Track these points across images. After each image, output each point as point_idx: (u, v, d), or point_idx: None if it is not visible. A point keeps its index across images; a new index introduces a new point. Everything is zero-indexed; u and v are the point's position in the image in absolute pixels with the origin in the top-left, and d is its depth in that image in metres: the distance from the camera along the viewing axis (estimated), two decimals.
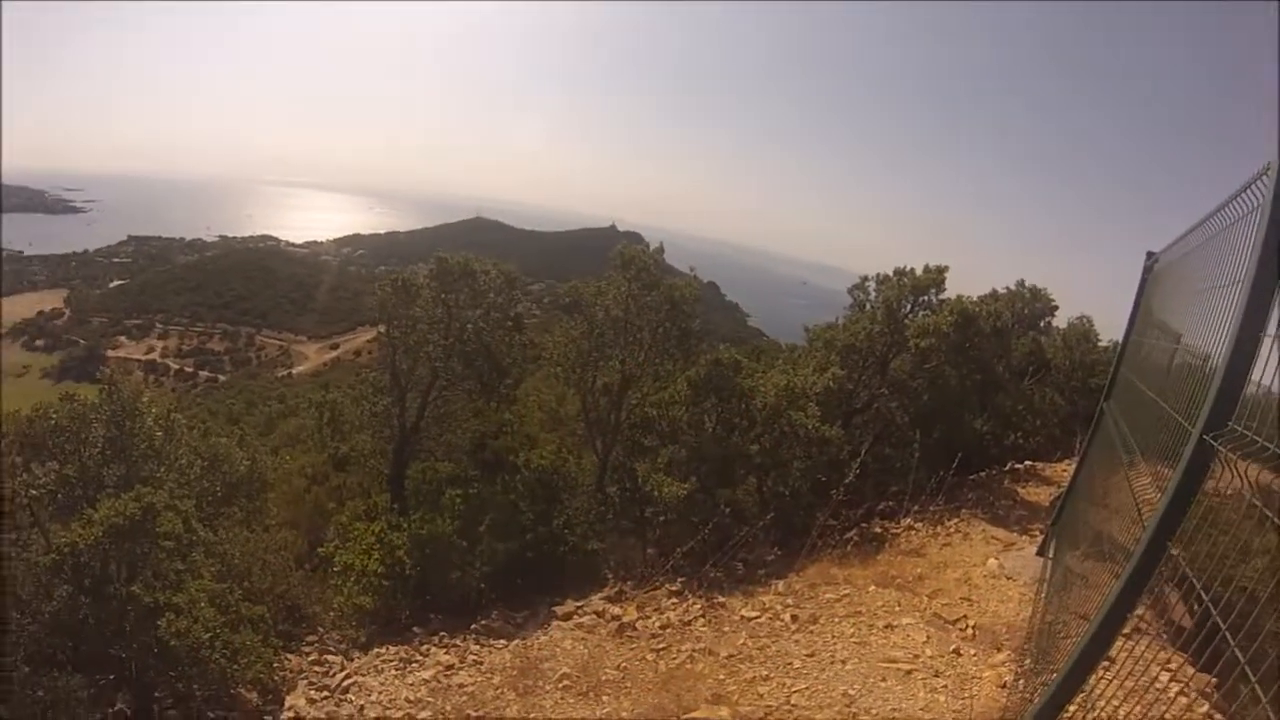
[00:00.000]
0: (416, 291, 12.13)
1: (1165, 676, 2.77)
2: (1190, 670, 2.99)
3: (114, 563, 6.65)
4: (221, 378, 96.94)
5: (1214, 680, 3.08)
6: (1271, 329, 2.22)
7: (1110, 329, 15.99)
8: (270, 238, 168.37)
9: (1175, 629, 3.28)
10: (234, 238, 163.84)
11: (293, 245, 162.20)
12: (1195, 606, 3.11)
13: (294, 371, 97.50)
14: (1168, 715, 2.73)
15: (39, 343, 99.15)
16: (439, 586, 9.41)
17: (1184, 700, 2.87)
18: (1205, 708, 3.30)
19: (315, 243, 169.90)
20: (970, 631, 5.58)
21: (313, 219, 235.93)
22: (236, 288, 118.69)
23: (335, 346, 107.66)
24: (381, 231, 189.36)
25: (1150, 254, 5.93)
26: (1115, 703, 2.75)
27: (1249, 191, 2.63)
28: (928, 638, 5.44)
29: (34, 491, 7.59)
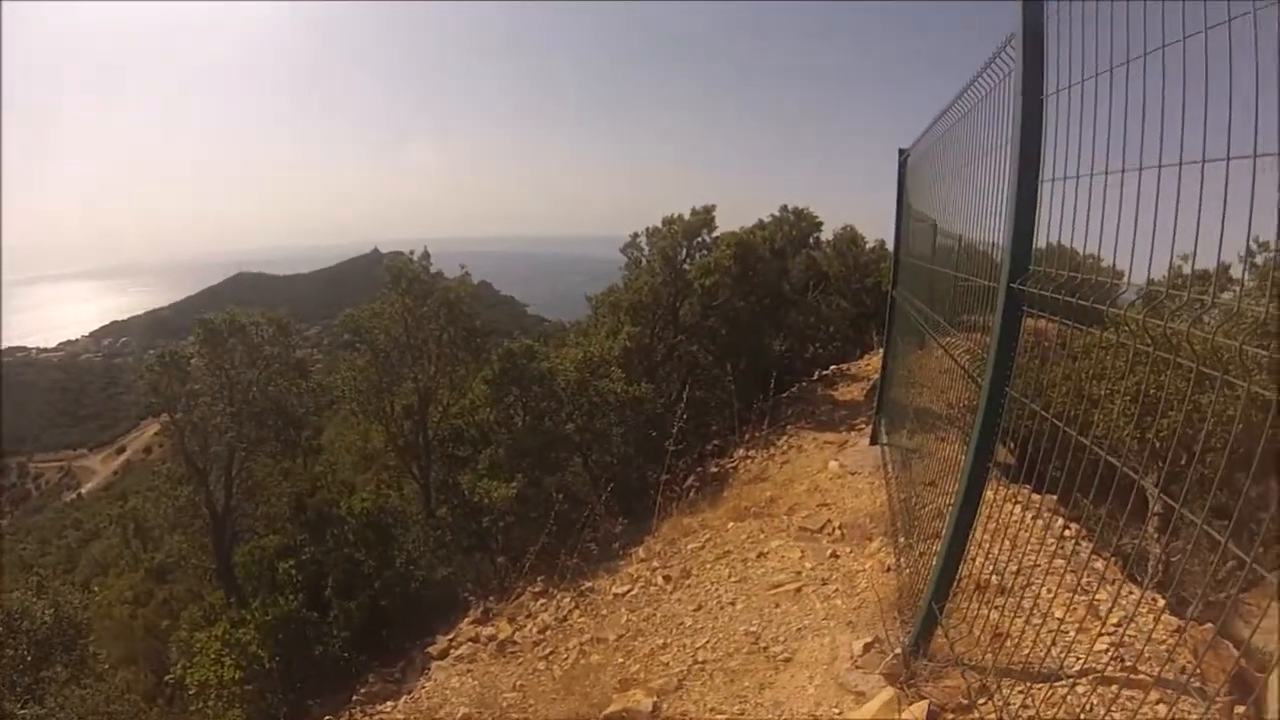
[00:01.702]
0: (187, 364, 11.06)
1: (1018, 509, 3.01)
2: (1035, 496, 3.31)
3: None
4: (2, 523, 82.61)
5: (1055, 497, 3.40)
6: (1046, 175, 2.40)
7: (875, 230, 17.50)
8: (18, 349, 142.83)
9: (1004, 469, 3.56)
10: None
11: (46, 351, 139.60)
12: (1013, 445, 3.44)
13: (83, 491, 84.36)
14: (1033, 538, 2.97)
15: None
16: (305, 669, 8.77)
17: (1041, 522, 3.15)
18: (1060, 521, 3.66)
19: (71, 342, 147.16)
20: (838, 533, 5.83)
21: (61, 315, 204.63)
22: None
23: (122, 450, 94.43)
24: (141, 312, 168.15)
25: (902, 150, 6.45)
26: (987, 545, 2.96)
27: (999, 60, 2.84)
28: (802, 553, 5.61)
29: None
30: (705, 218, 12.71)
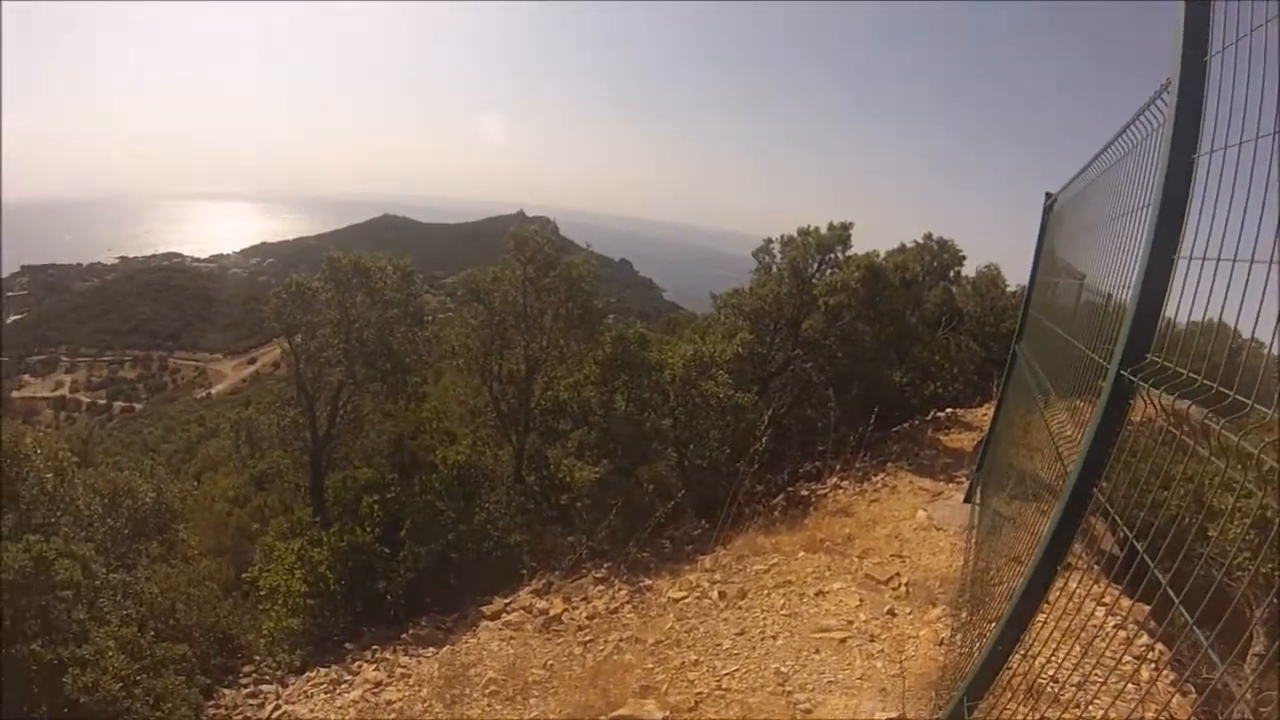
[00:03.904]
0: (313, 296, 11.59)
1: (1101, 612, 2.64)
2: (1125, 602, 2.89)
3: (24, 618, 6.14)
4: (137, 406, 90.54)
5: (1147, 609, 3.00)
6: (1185, 250, 2.03)
7: (1018, 274, 16.37)
8: (174, 254, 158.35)
9: (1107, 558, 3.18)
10: (135, 258, 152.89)
11: (198, 260, 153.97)
12: (1122, 535, 3.03)
13: (213, 391, 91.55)
14: (1108, 651, 2.60)
15: None
16: (366, 597, 9.12)
17: (1123, 634, 2.75)
18: (1144, 638, 3.21)
19: (222, 255, 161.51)
20: (903, 589, 5.48)
21: (217, 230, 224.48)
22: (143, 310, 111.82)
23: (253, 361, 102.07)
24: (290, 238, 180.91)
25: (1049, 195, 5.91)
26: (1053, 645, 2.60)
27: (1149, 112, 2.47)
28: (860, 601, 5.32)
29: None
30: (841, 234, 12.18)
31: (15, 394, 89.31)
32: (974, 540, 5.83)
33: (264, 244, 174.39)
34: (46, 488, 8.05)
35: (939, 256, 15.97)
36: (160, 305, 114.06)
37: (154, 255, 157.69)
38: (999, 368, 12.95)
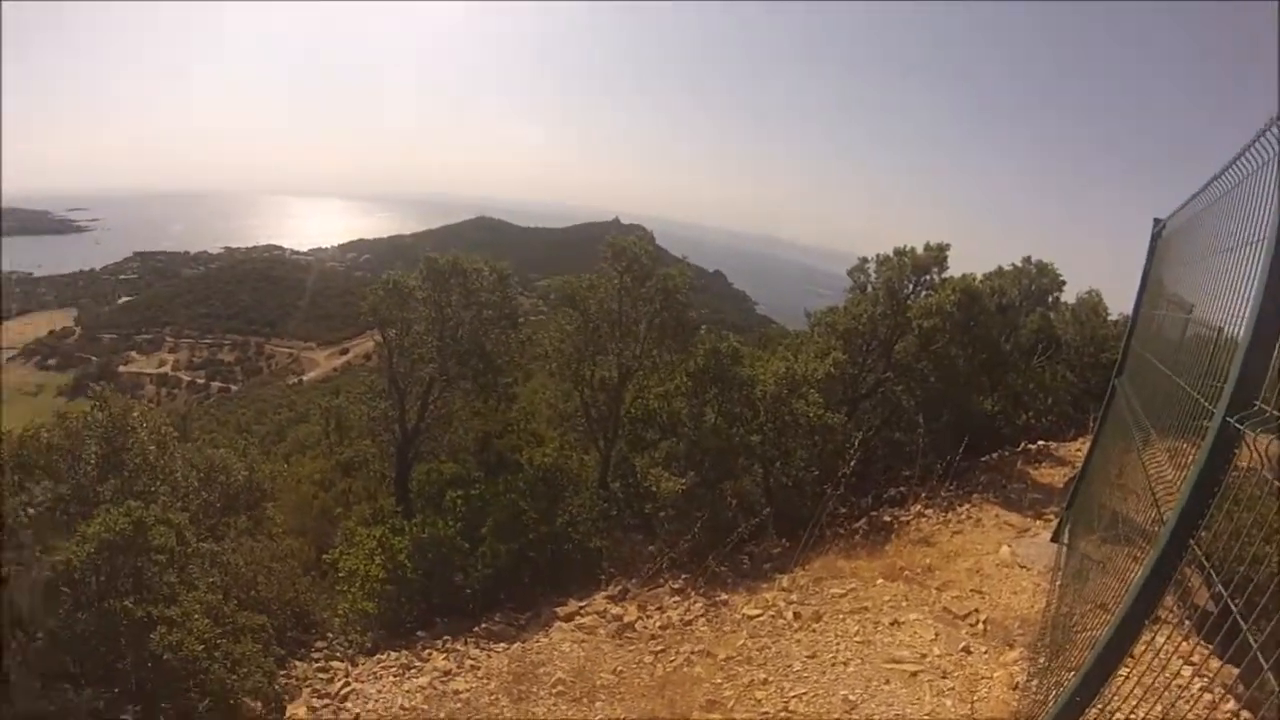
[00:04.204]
0: (409, 293, 11.90)
1: (1188, 671, 2.51)
2: (1214, 663, 2.74)
3: (119, 576, 6.62)
4: (234, 388, 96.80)
5: (1237, 673, 2.83)
6: None
7: (1121, 302, 15.59)
8: (275, 247, 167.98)
9: (1200, 614, 3.01)
10: (238, 248, 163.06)
11: (297, 253, 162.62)
12: (1217, 590, 2.86)
13: (305, 378, 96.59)
14: (1190, 715, 2.47)
15: (51, 362, 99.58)
16: (442, 589, 9.29)
17: (1209, 698, 2.60)
18: (1231, 704, 3.03)
19: (319, 249, 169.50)
20: (981, 627, 5.31)
21: (315, 226, 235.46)
22: (244, 298, 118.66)
23: (345, 351, 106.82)
24: (385, 235, 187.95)
25: (1157, 221, 5.62)
26: (1134, 702, 2.48)
27: (1259, 143, 2.33)
28: (936, 635, 5.18)
29: (32, 510, 7.51)
30: (937, 256, 11.82)
31: (122, 368, 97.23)
32: (1059, 582, 5.60)
33: (360, 240, 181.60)
34: (149, 458, 8.50)
35: (1037, 281, 15.43)
36: (260, 294, 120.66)
37: (256, 246, 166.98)
38: (1096, 401, 12.37)
